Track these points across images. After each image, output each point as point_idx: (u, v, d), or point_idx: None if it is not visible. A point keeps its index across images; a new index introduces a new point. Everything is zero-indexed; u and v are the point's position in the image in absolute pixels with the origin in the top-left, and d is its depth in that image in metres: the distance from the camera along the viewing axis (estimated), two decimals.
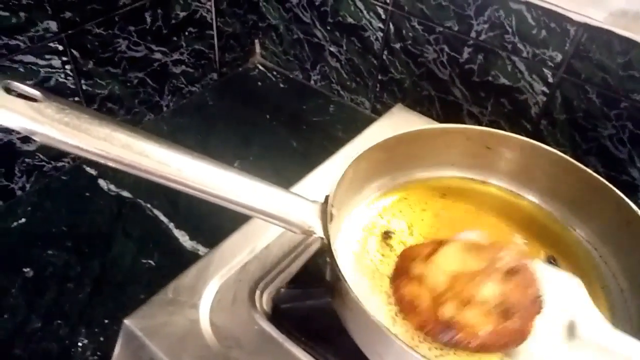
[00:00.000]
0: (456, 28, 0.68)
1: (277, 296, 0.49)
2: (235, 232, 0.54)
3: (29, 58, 0.61)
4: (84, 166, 0.71)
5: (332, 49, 0.83)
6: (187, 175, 0.36)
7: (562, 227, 0.52)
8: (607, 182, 0.48)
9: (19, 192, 0.67)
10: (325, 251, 0.40)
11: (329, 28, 0.81)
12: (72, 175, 0.71)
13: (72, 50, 0.64)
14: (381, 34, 0.76)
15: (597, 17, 0.57)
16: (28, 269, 0.60)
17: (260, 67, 0.94)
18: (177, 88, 0.82)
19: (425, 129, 0.53)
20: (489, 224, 0.52)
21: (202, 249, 0.64)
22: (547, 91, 0.65)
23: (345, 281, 0.37)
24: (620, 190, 0.47)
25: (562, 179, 0.51)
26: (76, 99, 0.68)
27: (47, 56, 0.62)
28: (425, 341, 0.41)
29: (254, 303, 0.48)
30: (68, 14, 0.62)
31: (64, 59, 0.64)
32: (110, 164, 0.33)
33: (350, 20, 0.78)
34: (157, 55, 0.76)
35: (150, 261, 0.62)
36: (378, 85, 0.81)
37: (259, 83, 0.91)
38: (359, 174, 0.48)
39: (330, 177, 0.44)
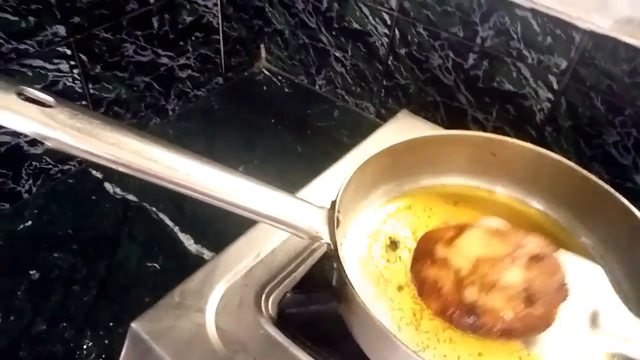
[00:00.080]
0: (461, 34, 0.68)
1: (282, 301, 0.49)
2: (241, 237, 0.54)
3: (38, 62, 0.61)
4: (90, 169, 0.72)
5: (337, 54, 0.83)
6: (195, 180, 0.36)
7: (567, 235, 0.52)
8: (611, 190, 0.48)
9: (25, 195, 0.67)
10: (331, 257, 0.41)
11: (334, 33, 0.81)
12: (78, 178, 0.71)
13: (80, 55, 0.65)
14: (386, 40, 0.76)
15: (603, 24, 0.57)
16: (34, 272, 0.60)
17: (266, 72, 0.94)
18: (183, 92, 0.83)
19: (432, 136, 0.53)
20: None
21: (207, 253, 0.64)
22: (552, 98, 0.65)
23: (352, 286, 0.38)
24: (625, 197, 0.47)
25: (568, 186, 0.51)
26: (83, 102, 0.69)
27: (55, 60, 0.63)
28: (430, 347, 0.41)
29: (259, 307, 0.48)
30: (76, 19, 0.62)
31: (72, 63, 0.64)
32: (121, 169, 0.34)
33: (355, 25, 0.78)
34: (164, 60, 0.76)
35: (155, 264, 0.62)
36: (383, 90, 0.82)
37: (264, 87, 0.91)
38: (365, 179, 0.49)
39: (336, 183, 0.44)
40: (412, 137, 0.50)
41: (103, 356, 0.54)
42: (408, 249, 0.49)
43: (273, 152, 0.79)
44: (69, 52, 0.64)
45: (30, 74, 0.61)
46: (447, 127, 0.75)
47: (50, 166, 0.69)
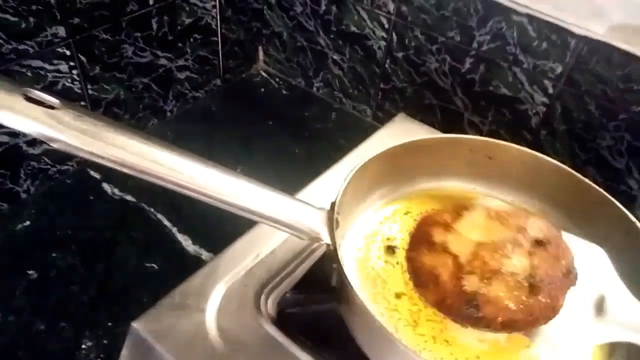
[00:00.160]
0: (458, 39, 0.69)
1: (282, 301, 0.50)
2: (241, 238, 0.54)
3: (37, 63, 0.61)
4: (89, 170, 0.72)
5: (335, 57, 0.84)
6: (199, 182, 0.37)
7: None
8: (605, 193, 0.48)
9: (24, 195, 0.67)
10: (331, 257, 0.41)
11: (332, 36, 0.82)
12: (77, 178, 0.71)
13: (80, 56, 0.65)
14: (384, 43, 0.77)
15: (598, 30, 0.58)
16: (32, 272, 0.60)
17: (264, 74, 0.95)
18: (181, 93, 0.83)
19: (429, 139, 0.54)
20: None
21: (204, 254, 0.64)
22: (547, 102, 0.66)
23: (352, 287, 0.38)
24: (619, 201, 0.48)
25: (562, 189, 0.52)
26: (82, 103, 0.69)
27: (55, 61, 0.63)
28: (426, 349, 0.41)
29: (259, 307, 0.48)
30: (76, 20, 0.63)
31: (71, 64, 0.65)
32: (126, 170, 0.34)
33: (353, 29, 0.79)
34: (163, 61, 0.76)
35: (153, 265, 0.63)
36: (380, 93, 0.82)
37: (262, 89, 0.92)
38: (363, 182, 0.49)
39: (335, 185, 0.45)
40: (409, 140, 0.51)
41: (102, 356, 0.54)
42: (405, 252, 0.49)
43: (270, 154, 0.79)
44: (68, 52, 0.64)
45: (29, 74, 0.61)
46: (443, 131, 0.75)
47: (49, 166, 0.69)
